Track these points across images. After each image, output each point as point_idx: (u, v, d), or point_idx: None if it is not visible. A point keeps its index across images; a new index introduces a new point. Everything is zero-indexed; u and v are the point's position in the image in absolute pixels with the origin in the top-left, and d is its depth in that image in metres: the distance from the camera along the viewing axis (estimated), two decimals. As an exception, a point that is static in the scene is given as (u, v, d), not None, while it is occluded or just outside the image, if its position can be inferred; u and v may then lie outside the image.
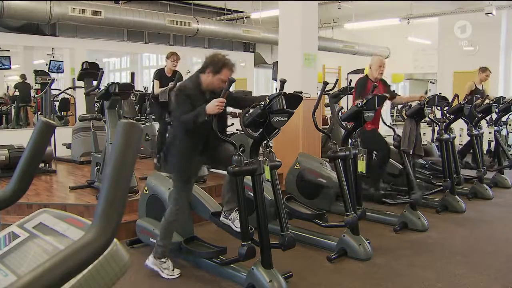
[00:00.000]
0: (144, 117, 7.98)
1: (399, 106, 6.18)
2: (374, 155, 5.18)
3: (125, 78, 15.83)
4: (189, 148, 3.20)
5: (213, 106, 2.94)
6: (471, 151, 6.18)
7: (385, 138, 5.14)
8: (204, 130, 3.08)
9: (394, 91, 5.31)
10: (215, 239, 3.76)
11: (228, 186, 3.38)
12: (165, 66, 5.80)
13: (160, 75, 5.70)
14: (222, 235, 3.70)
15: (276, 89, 6.14)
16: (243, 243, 3.03)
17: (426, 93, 4.52)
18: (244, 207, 3.05)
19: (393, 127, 5.05)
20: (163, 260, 3.33)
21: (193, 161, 3.27)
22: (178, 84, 4.06)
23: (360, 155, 3.95)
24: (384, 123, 5.09)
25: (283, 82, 3.26)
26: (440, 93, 5.68)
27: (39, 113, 8.45)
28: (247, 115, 2.98)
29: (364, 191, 4.83)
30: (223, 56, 3.21)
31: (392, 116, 12.52)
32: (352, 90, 6.84)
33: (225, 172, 3.21)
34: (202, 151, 3.23)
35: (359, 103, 3.80)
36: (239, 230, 3.31)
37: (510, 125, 8.56)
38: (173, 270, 3.34)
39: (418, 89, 14.36)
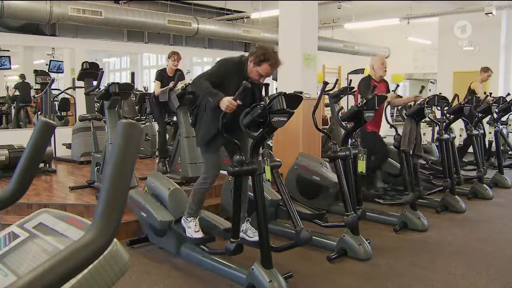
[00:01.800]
0: (144, 117, 7.98)
1: (399, 106, 6.19)
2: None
3: (125, 78, 15.82)
4: (213, 117, 3.09)
5: (223, 104, 2.89)
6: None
7: (384, 142, 5.11)
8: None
9: (393, 91, 5.31)
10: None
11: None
12: (167, 66, 5.79)
13: (161, 76, 5.65)
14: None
15: (276, 89, 6.15)
16: (232, 240, 3.07)
17: (420, 92, 4.50)
18: (239, 206, 3.10)
19: (395, 126, 5.04)
20: (190, 219, 3.44)
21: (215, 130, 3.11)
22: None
23: (360, 155, 3.95)
24: (388, 122, 5.07)
25: (266, 85, 3.22)
26: (440, 93, 5.68)
27: (39, 113, 8.44)
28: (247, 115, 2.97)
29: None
30: (272, 50, 3.04)
31: (392, 116, 12.50)
32: (353, 91, 6.82)
33: (225, 172, 3.21)
34: (230, 128, 3.04)
35: (359, 103, 3.81)
36: (253, 239, 3.32)
37: (510, 125, 8.55)
38: (196, 231, 3.40)
39: (418, 89, 14.34)
